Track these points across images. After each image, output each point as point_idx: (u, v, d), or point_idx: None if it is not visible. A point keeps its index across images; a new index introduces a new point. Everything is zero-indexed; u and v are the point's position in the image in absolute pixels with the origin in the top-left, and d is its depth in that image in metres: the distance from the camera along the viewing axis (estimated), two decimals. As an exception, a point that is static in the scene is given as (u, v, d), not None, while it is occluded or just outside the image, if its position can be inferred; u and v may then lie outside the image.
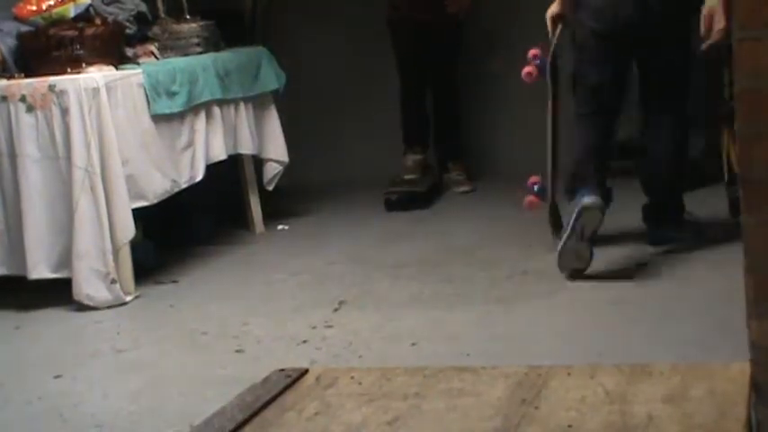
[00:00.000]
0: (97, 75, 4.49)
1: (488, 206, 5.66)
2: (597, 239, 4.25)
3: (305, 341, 3.77)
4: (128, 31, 4.96)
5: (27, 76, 4.58)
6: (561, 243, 4.14)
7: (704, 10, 4.06)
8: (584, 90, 4.40)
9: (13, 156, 4.45)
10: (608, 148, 4.48)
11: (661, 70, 4.40)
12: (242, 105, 5.26)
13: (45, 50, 4.62)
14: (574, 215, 4.10)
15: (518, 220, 5.26)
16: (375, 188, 6.05)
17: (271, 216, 5.62)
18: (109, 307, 4.39)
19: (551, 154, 4.56)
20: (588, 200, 4.10)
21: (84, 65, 4.58)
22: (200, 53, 5.11)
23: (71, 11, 4.73)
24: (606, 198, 4.28)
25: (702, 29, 4.08)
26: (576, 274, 4.15)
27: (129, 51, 4.93)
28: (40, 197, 4.42)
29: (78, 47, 4.61)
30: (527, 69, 4.49)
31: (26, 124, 4.43)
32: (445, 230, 5.25)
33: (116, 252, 4.42)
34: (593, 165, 4.32)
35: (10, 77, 4.59)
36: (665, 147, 4.45)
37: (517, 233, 5.02)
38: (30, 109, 4.43)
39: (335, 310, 4.11)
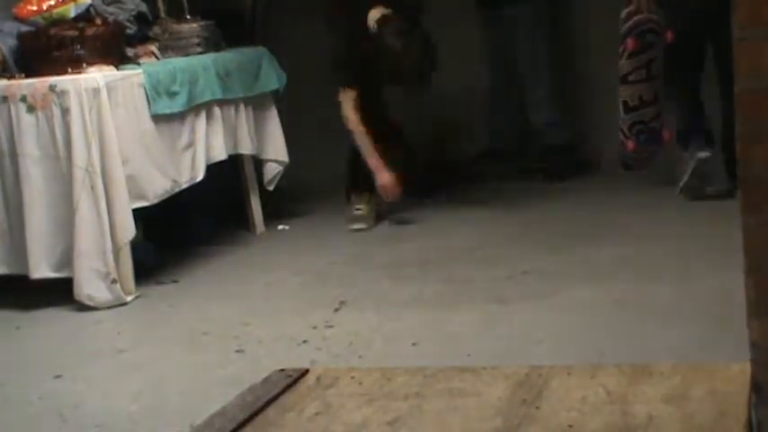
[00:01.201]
0: (98, 75, 4.49)
1: (489, 206, 5.66)
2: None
3: (305, 341, 3.77)
4: (128, 31, 4.96)
5: (28, 76, 4.59)
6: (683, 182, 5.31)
7: None
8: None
9: (14, 156, 4.45)
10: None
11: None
12: (242, 105, 5.27)
13: (45, 50, 4.62)
14: (693, 163, 5.25)
15: (518, 220, 5.27)
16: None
17: (271, 216, 5.62)
18: (109, 307, 4.39)
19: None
20: (703, 154, 5.23)
21: (84, 65, 4.58)
22: (201, 53, 5.12)
23: (71, 11, 4.74)
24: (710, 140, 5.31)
25: None
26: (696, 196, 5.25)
27: (130, 51, 4.93)
28: (40, 197, 4.42)
29: (79, 47, 4.61)
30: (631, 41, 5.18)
31: (27, 124, 4.43)
32: (445, 230, 5.25)
33: (116, 252, 4.42)
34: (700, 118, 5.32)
35: (10, 77, 4.59)
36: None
37: (517, 233, 5.02)
38: (30, 109, 4.43)
39: (336, 310, 4.11)
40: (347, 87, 5.44)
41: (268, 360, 3.48)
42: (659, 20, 5.22)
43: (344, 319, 3.99)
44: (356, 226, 5.41)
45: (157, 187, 4.66)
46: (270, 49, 5.62)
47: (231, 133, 5.18)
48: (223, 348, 3.80)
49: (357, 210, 5.46)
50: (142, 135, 4.62)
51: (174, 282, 4.76)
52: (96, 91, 4.40)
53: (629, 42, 5.11)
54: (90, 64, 4.59)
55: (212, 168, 5.01)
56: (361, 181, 5.50)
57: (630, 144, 5.26)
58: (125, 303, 4.43)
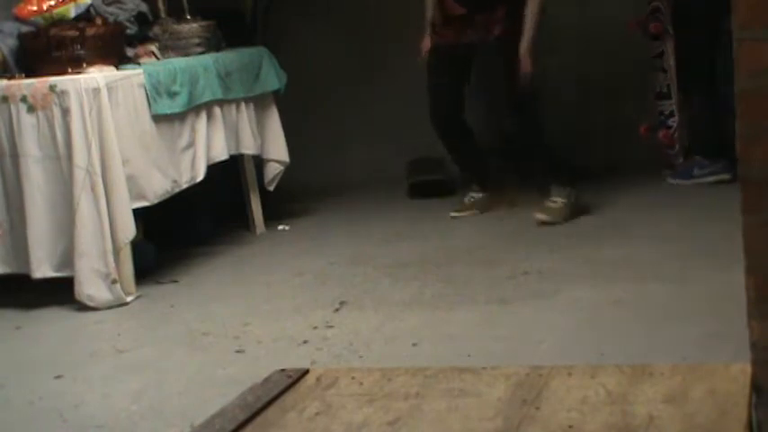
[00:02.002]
0: (98, 75, 4.49)
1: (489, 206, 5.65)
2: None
3: (306, 341, 3.77)
4: (128, 31, 4.96)
5: (28, 76, 4.58)
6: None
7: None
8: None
9: (14, 156, 4.45)
10: None
11: None
12: (243, 105, 5.27)
13: (46, 51, 4.62)
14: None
15: (518, 220, 5.26)
16: (375, 188, 6.05)
17: (271, 216, 5.62)
18: (110, 307, 4.39)
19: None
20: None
21: (84, 65, 4.58)
22: (201, 53, 5.11)
23: (72, 11, 4.74)
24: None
25: None
26: None
27: (130, 51, 4.93)
28: (41, 197, 4.43)
29: (79, 47, 4.61)
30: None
31: (27, 124, 4.43)
32: (445, 230, 5.26)
33: (117, 252, 4.42)
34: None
35: (11, 78, 4.59)
36: None
37: (517, 233, 5.02)
38: (31, 109, 4.43)
39: (336, 310, 4.11)
40: None
41: (268, 360, 3.48)
42: (665, 12, 5.58)
43: (345, 319, 4.00)
44: (542, 217, 5.15)
45: (158, 187, 4.66)
46: (270, 49, 5.62)
47: (232, 133, 5.18)
48: (223, 348, 3.80)
49: (552, 202, 5.20)
50: (142, 135, 4.62)
51: (174, 282, 4.77)
52: (96, 91, 4.40)
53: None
54: (90, 64, 4.59)
55: (212, 168, 5.01)
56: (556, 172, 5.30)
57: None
58: (125, 303, 4.43)
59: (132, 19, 5.01)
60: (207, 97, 4.97)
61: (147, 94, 4.64)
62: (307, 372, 2.19)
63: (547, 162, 5.32)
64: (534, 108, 5.27)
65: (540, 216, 5.13)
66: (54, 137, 4.41)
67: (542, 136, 5.32)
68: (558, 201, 5.19)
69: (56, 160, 4.42)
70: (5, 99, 4.46)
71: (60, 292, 4.44)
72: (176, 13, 5.25)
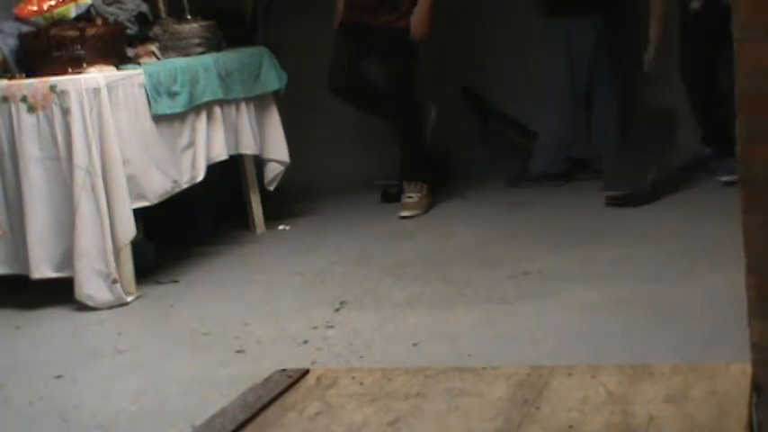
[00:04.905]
0: (98, 75, 4.50)
1: (488, 206, 5.66)
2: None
3: (306, 341, 3.77)
4: (129, 31, 4.97)
5: (28, 76, 4.58)
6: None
7: None
8: None
9: (14, 156, 4.45)
10: None
11: None
12: (243, 105, 5.27)
13: (46, 51, 4.62)
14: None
15: (518, 220, 5.27)
16: (375, 188, 6.04)
17: (271, 216, 5.62)
18: (110, 307, 4.39)
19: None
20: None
21: (85, 65, 4.58)
22: (202, 53, 5.11)
23: (72, 11, 4.74)
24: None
25: None
26: None
27: (131, 52, 4.93)
28: (41, 197, 4.43)
29: (79, 47, 4.61)
30: None
31: (27, 124, 4.43)
32: (445, 230, 5.26)
33: (117, 252, 4.42)
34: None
35: (11, 78, 4.59)
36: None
37: (517, 233, 5.03)
38: (31, 109, 4.43)
39: (336, 310, 4.11)
40: None
41: (268, 360, 3.48)
42: None
43: (345, 319, 4.00)
44: (404, 213, 5.60)
45: (158, 187, 4.66)
46: (270, 49, 5.62)
47: (232, 133, 5.18)
48: (223, 348, 3.80)
49: (408, 198, 5.66)
50: (143, 135, 4.62)
51: (174, 282, 4.77)
52: (97, 91, 4.40)
53: None
54: (90, 64, 4.59)
55: (212, 168, 5.01)
56: (414, 171, 5.71)
57: None
58: (125, 303, 4.43)
59: (133, 19, 5.01)
60: (207, 97, 4.97)
61: (147, 94, 4.64)
62: (307, 372, 2.19)
63: (413, 158, 5.76)
64: (413, 100, 5.74)
65: (403, 212, 5.60)
66: (54, 137, 4.41)
67: (419, 129, 5.83)
68: (413, 196, 5.66)
69: (56, 160, 4.42)
70: (6, 99, 4.46)
71: (60, 292, 4.44)
72: (177, 13, 5.25)
